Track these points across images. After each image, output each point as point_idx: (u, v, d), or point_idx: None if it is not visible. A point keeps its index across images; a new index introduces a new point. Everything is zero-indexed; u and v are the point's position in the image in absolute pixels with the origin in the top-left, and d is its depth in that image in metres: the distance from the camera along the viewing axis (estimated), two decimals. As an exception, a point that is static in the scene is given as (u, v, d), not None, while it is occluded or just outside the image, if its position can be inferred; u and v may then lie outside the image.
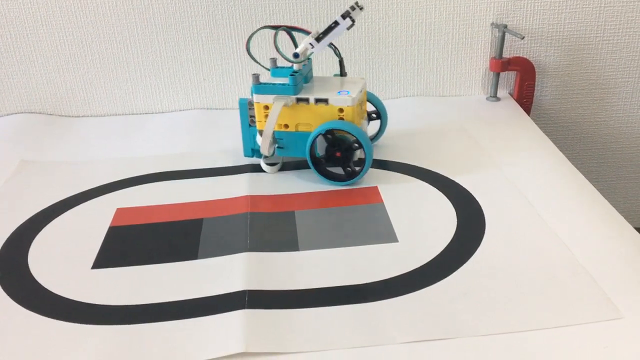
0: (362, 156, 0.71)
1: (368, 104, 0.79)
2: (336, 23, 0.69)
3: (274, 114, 0.69)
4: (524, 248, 0.59)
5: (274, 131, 0.72)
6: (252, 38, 0.74)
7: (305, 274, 0.56)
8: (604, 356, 0.46)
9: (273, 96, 0.71)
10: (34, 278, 0.57)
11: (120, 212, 0.68)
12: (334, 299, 0.53)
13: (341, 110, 0.70)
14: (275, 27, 0.73)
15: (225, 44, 0.94)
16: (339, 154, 0.71)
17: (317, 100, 0.70)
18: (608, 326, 0.49)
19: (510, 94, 0.99)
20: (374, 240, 0.61)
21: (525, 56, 0.97)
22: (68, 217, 0.68)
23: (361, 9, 0.71)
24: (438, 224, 0.63)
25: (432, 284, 0.54)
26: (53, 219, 0.67)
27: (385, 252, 0.59)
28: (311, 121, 0.71)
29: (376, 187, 0.71)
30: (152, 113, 0.98)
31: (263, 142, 0.70)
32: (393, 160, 0.78)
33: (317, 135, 0.70)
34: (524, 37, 0.93)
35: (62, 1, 0.90)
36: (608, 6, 0.94)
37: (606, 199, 0.68)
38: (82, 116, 0.98)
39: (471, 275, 0.55)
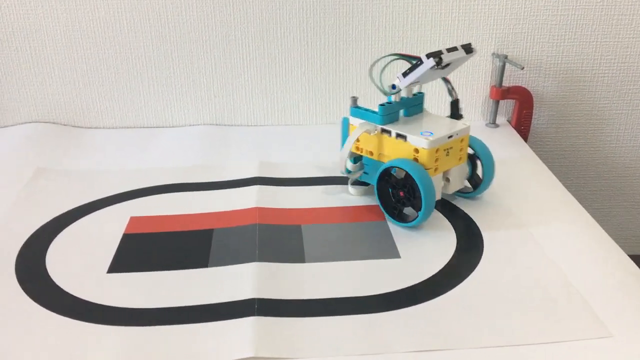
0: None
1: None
2: (420, 61, 0.67)
3: (352, 138, 0.72)
4: (519, 269, 0.62)
5: (362, 156, 0.74)
6: (378, 63, 0.72)
7: (312, 284, 0.59)
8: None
9: (362, 121, 0.72)
10: (52, 280, 0.60)
11: (133, 220, 0.71)
12: (338, 309, 0.56)
13: (416, 150, 0.67)
14: (403, 56, 0.71)
15: (237, 62, 0.98)
16: (402, 194, 0.68)
17: (398, 135, 0.69)
18: (598, 344, 0.52)
19: (508, 121, 1.03)
20: (377, 255, 0.64)
21: (524, 85, 1.01)
22: (83, 223, 0.70)
23: (469, 52, 0.69)
24: (438, 243, 0.66)
25: (431, 299, 0.57)
26: (69, 224, 0.70)
27: (387, 267, 0.62)
28: (390, 154, 0.71)
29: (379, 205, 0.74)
30: (164, 127, 1.01)
31: (340, 161, 0.74)
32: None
33: (384, 171, 0.69)
34: (523, 68, 0.98)
35: (81, 17, 0.94)
36: (604, 42, 0.99)
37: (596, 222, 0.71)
38: (96, 127, 1.01)
39: (469, 292, 0.58)
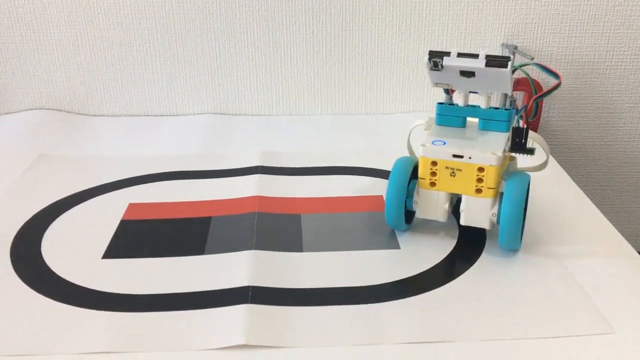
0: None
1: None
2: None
3: (413, 125, 0.69)
4: (521, 263, 0.60)
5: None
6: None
7: (308, 274, 0.58)
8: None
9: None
10: (46, 265, 0.59)
11: (132, 207, 0.70)
12: (334, 299, 0.54)
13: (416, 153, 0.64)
14: (542, 67, 0.63)
15: (241, 51, 0.97)
16: None
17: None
18: (600, 339, 0.50)
19: (517, 113, 1.01)
20: (376, 246, 0.63)
21: (534, 77, 0.99)
22: (82, 209, 0.70)
23: (493, 65, 0.58)
24: (440, 235, 0.65)
25: (430, 290, 0.56)
26: (67, 210, 0.70)
27: (386, 258, 0.61)
28: None
29: (381, 196, 0.73)
30: (167, 115, 1.01)
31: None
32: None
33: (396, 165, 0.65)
34: (533, 59, 0.95)
35: (85, 4, 0.94)
36: (617, 33, 0.97)
37: (609, 222, 0.69)
38: (99, 115, 1.00)
39: (468, 285, 0.57)
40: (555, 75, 0.61)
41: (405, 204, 0.63)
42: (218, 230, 0.65)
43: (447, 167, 0.60)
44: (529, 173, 0.63)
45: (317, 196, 0.73)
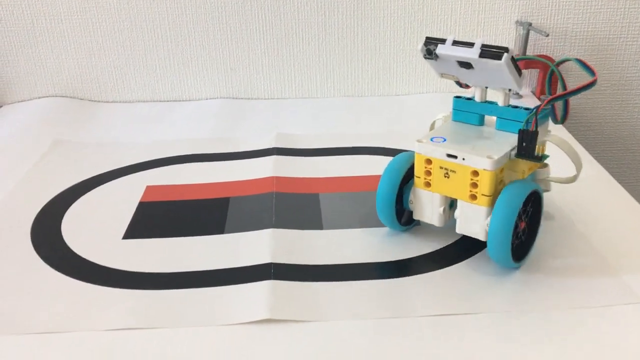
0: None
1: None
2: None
3: (436, 118, 0.63)
4: (546, 237, 0.60)
5: None
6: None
7: (329, 250, 0.58)
8: (622, 336, 0.47)
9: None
10: (67, 246, 0.59)
11: (149, 189, 0.70)
12: (355, 275, 0.54)
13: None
14: (581, 63, 0.57)
15: (253, 35, 0.96)
16: None
17: None
18: (627, 310, 0.50)
19: (532, 92, 1.00)
20: (396, 222, 0.62)
21: (548, 54, 0.98)
22: (99, 192, 0.70)
23: (486, 55, 0.52)
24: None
25: (454, 264, 0.56)
26: (85, 193, 0.70)
27: (407, 234, 0.60)
28: None
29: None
30: (180, 101, 1.00)
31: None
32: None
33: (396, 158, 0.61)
34: (548, 35, 0.94)
35: (97, -11, 0.94)
36: (632, 7, 0.95)
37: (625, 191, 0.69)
38: (112, 102, 1.00)
39: (491, 259, 0.56)
40: (592, 72, 0.55)
41: (403, 203, 0.59)
42: (237, 210, 0.65)
43: (441, 167, 0.55)
44: (535, 183, 0.55)
45: (334, 176, 0.73)
